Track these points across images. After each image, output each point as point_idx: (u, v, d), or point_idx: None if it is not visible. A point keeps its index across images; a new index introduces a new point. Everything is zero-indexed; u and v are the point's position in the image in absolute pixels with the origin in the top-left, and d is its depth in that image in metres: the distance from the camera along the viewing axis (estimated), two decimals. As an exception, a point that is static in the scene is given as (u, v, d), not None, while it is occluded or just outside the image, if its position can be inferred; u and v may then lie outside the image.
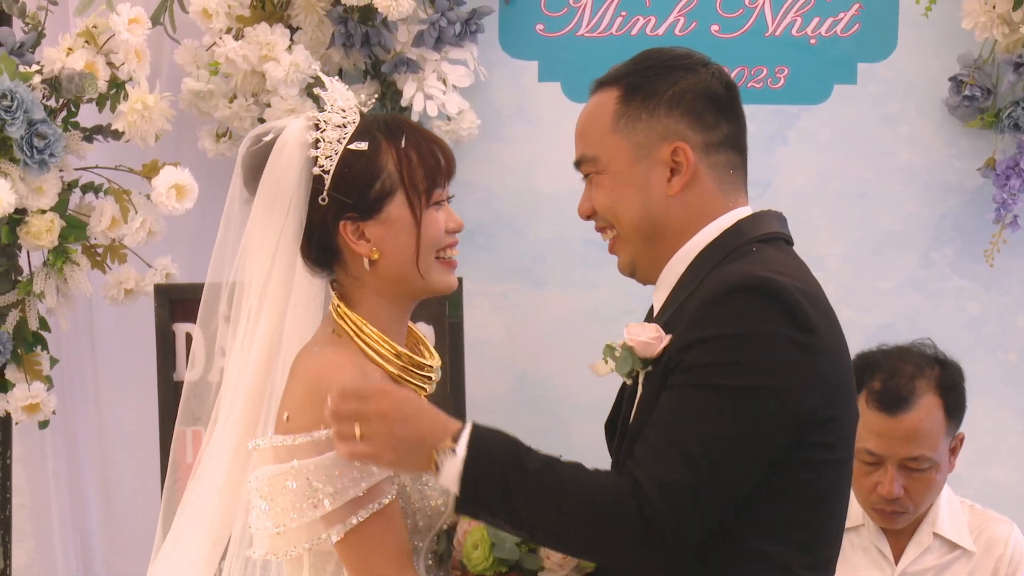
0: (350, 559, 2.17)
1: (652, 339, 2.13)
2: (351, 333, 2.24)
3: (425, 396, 2.32)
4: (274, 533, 2.18)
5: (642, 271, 2.28)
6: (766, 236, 2.22)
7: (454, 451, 2.10)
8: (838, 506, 2.25)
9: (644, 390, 2.21)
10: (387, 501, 2.17)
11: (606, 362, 2.22)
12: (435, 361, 2.34)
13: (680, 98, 2.21)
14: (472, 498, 2.11)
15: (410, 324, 2.38)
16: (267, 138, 2.26)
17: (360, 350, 2.21)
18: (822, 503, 2.19)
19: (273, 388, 2.29)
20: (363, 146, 2.21)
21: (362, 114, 2.28)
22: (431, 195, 2.23)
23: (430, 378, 2.30)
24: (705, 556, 2.14)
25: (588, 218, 2.30)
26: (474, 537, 2.24)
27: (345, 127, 2.23)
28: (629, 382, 2.18)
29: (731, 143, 2.26)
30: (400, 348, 2.26)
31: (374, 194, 2.21)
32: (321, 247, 2.25)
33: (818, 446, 2.16)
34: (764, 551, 2.15)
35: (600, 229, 2.33)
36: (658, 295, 2.28)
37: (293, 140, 2.24)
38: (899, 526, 2.98)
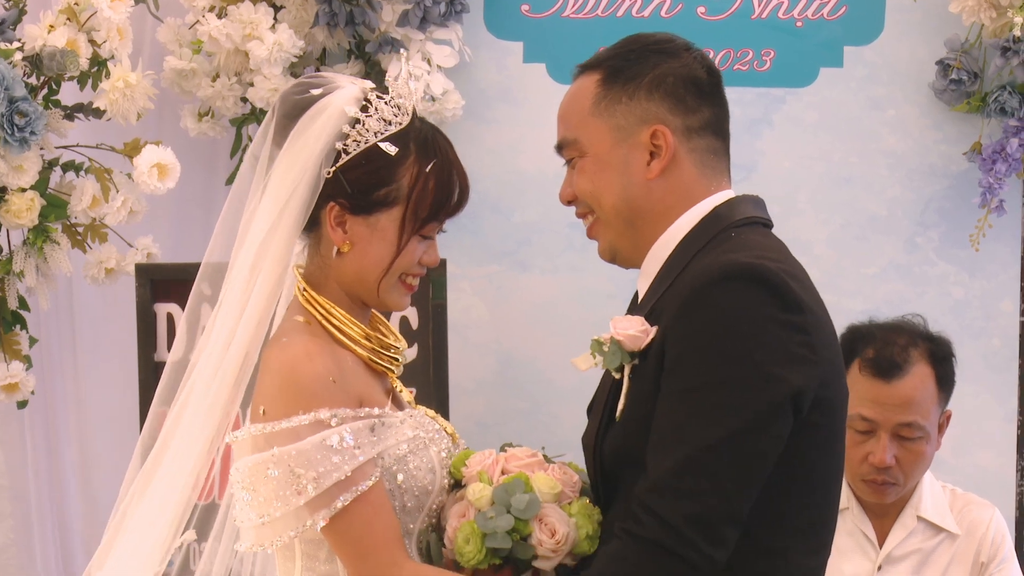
0: (339, 544, 2.17)
1: (639, 332, 2.12)
2: (319, 317, 2.24)
3: (399, 378, 2.34)
4: (259, 524, 2.17)
5: (623, 256, 2.28)
6: (744, 221, 2.22)
7: None
8: (832, 488, 2.25)
9: (632, 383, 2.19)
10: (371, 483, 2.15)
11: (593, 356, 2.22)
12: (401, 343, 2.34)
13: (661, 81, 2.21)
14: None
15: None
16: (315, 92, 2.25)
17: (330, 335, 2.22)
18: (818, 486, 2.19)
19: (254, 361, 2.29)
20: (392, 150, 2.20)
21: (414, 119, 2.27)
22: (425, 226, 2.24)
23: (397, 359, 2.30)
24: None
25: (569, 203, 2.30)
26: (464, 532, 2.22)
27: (390, 124, 2.22)
28: (617, 376, 2.17)
29: (712, 128, 2.26)
30: (368, 330, 2.27)
31: (375, 198, 2.22)
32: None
33: (812, 426, 2.14)
34: (762, 539, 2.15)
35: (581, 215, 2.32)
36: (642, 281, 2.28)
37: (336, 107, 2.23)
38: (888, 500, 2.97)
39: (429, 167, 2.25)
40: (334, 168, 2.22)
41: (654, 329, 2.12)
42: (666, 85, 2.21)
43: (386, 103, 2.24)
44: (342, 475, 2.13)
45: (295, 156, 2.26)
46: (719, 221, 2.22)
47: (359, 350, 2.24)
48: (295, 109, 2.26)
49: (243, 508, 2.19)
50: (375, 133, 2.22)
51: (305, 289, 2.25)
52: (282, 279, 2.31)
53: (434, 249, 2.30)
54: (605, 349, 2.15)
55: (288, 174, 2.26)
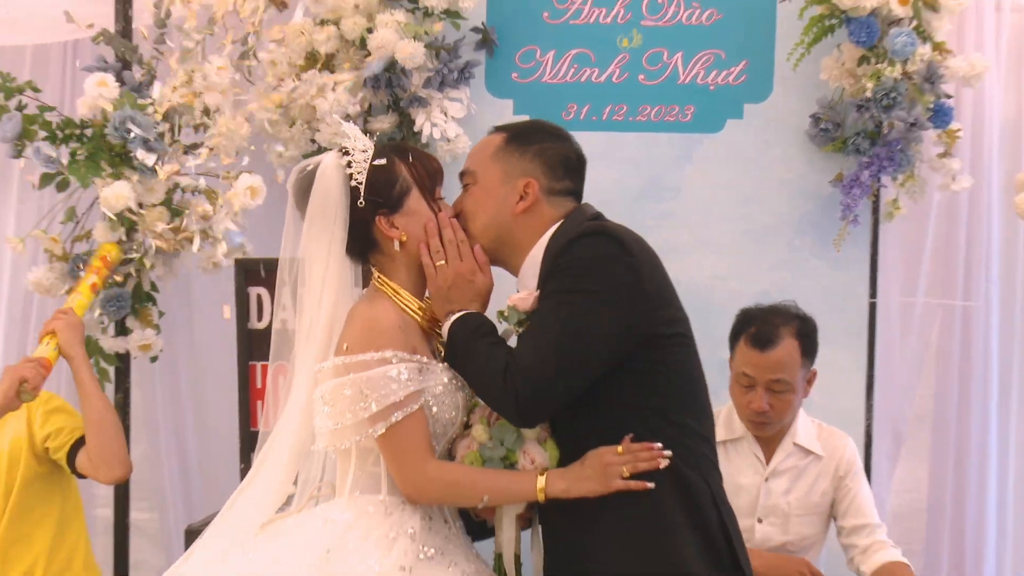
0: (388, 449, 2.20)
1: (526, 296, 2.23)
2: (390, 293, 2.28)
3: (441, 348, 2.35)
4: (333, 429, 2.21)
5: (495, 260, 2.34)
6: (594, 216, 2.31)
7: (453, 313, 2.22)
8: (695, 378, 2.31)
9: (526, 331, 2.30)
10: (416, 407, 2.19)
11: (499, 321, 2.30)
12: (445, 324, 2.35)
13: (543, 152, 2.29)
14: (448, 349, 2.24)
15: None
16: (309, 168, 2.31)
17: (396, 305, 2.26)
18: (682, 371, 2.26)
19: (333, 336, 2.31)
20: (383, 161, 2.26)
21: (375, 143, 2.34)
22: (434, 192, 2.32)
23: (440, 334, 2.32)
24: (612, 414, 2.20)
25: (455, 215, 2.34)
26: (469, 458, 2.29)
27: (367, 151, 2.28)
28: (519, 330, 2.26)
29: (570, 193, 2.34)
30: (422, 304, 2.31)
31: (396, 193, 2.27)
32: (361, 239, 2.28)
33: (666, 335, 2.22)
34: (666, 414, 2.21)
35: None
36: (523, 284, 2.34)
37: (331, 166, 2.29)
38: (766, 433, 3.05)
39: (409, 156, 2.33)
40: (363, 196, 2.26)
41: (537, 292, 2.23)
42: (546, 155, 2.30)
43: (355, 143, 2.32)
44: (397, 398, 2.17)
45: (323, 201, 2.30)
46: (577, 217, 2.29)
47: (416, 317, 2.28)
48: (303, 184, 2.32)
49: (322, 418, 2.23)
50: (364, 160, 2.27)
51: (379, 277, 2.30)
52: (338, 272, 2.34)
53: (447, 205, 2.37)
54: (506, 314, 2.26)
55: (322, 214, 2.30)
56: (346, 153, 2.30)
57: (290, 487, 2.39)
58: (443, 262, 2.27)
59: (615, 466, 2.15)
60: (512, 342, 2.36)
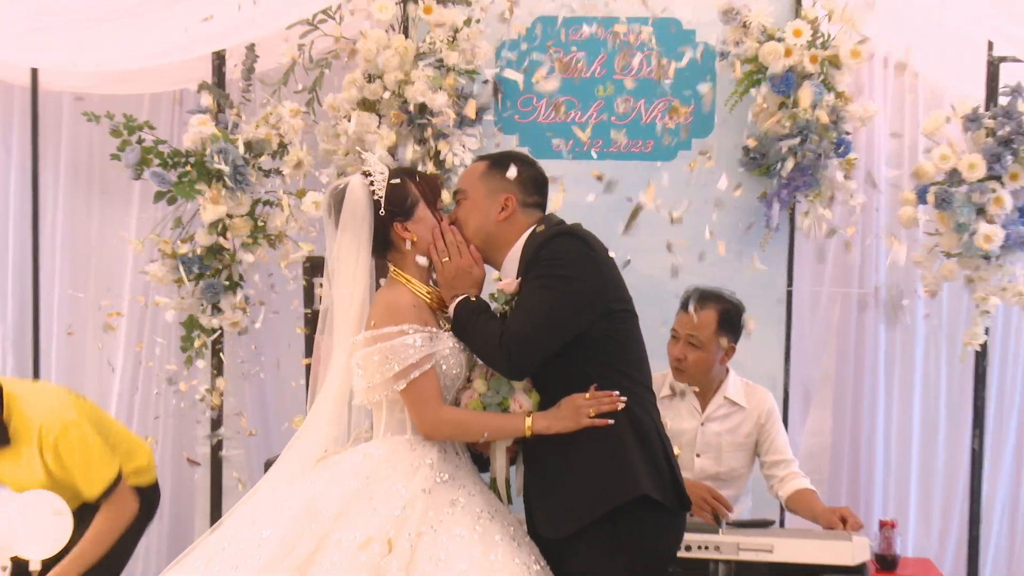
0: (409, 399, 2.22)
1: (510, 282, 2.29)
2: (404, 282, 2.30)
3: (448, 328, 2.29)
4: (366, 387, 2.22)
5: (484, 258, 2.34)
6: (559, 222, 2.33)
7: (457, 297, 2.24)
8: (639, 342, 2.33)
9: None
10: (429, 367, 2.20)
11: (492, 301, 2.31)
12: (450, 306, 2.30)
13: (519, 174, 2.33)
14: (455, 323, 2.25)
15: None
16: (340, 187, 2.30)
17: (409, 290, 2.28)
18: (629, 337, 2.30)
19: (363, 316, 2.29)
20: (397, 181, 2.28)
21: (390, 168, 2.35)
22: (435, 204, 2.33)
23: (445, 311, 2.31)
24: (579, 372, 2.24)
25: (452, 223, 2.32)
26: (472, 404, 2.31)
27: (384, 173, 2.29)
28: (505, 309, 2.30)
29: (538, 205, 2.37)
30: (430, 289, 2.31)
31: (408, 204, 2.28)
32: (382, 241, 2.28)
33: (616, 310, 2.26)
34: (618, 367, 2.27)
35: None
36: (505, 274, 2.34)
37: (358, 185, 2.28)
38: (683, 379, 3.00)
39: (416, 177, 2.34)
40: (383, 207, 2.26)
41: (519, 280, 2.26)
42: (521, 177, 2.33)
43: (375, 167, 2.30)
44: (414, 360, 2.18)
45: (353, 213, 2.28)
46: (548, 226, 2.30)
47: (425, 299, 2.29)
48: (336, 199, 2.30)
49: (358, 379, 2.23)
50: (383, 180, 2.27)
51: (395, 270, 2.32)
52: (366, 267, 2.33)
53: (445, 217, 2.35)
54: (496, 296, 2.29)
55: (353, 222, 2.29)
56: (368, 175, 2.27)
57: (335, 432, 2.34)
58: (447, 259, 2.25)
59: (584, 408, 2.16)
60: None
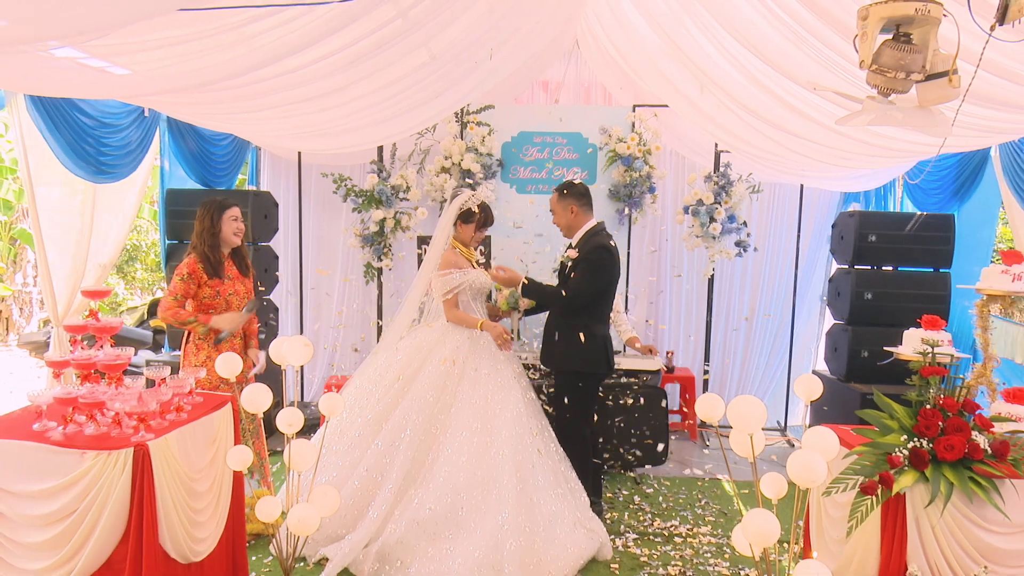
0: (447, 304, 3.32)
1: (573, 253, 3.29)
2: (455, 246, 3.33)
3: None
4: (438, 295, 3.36)
5: (566, 235, 3.42)
6: (602, 226, 3.49)
7: (517, 283, 3.39)
8: (609, 297, 3.32)
9: (570, 268, 3.41)
10: (460, 289, 3.31)
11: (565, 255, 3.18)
12: (480, 259, 3.26)
13: (578, 195, 3.40)
14: (525, 290, 3.35)
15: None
16: (455, 195, 3.32)
17: (457, 252, 3.22)
18: (607, 295, 3.33)
19: (438, 263, 3.25)
20: (476, 208, 3.39)
21: (482, 203, 3.23)
22: (483, 230, 3.48)
23: (479, 262, 3.19)
24: (583, 312, 3.38)
25: (556, 223, 3.33)
26: (503, 304, 3.54)
27: (476, 198, 3.22)
28: (568, 266, 3.10)
29: (589, 207, 3.51)
30: (471, 252, 3.34)
31: (467, 218, 3.44)
32: (454, 227, 3.34)
33: (611, 286, 3.19)
34: (598, 313, 3.42)
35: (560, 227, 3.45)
36: (574, 242, 3.31)
37: (458, 199, 3.37)
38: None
39: (480, 211, 3.39)
40: (460, 214, 3.35)
41: (577, 251, 3.24)
42: (578, 195, 3.37)
43: (479, 193, 3.38)
44: (455, 285, 3.30)
45: (451, 210, 3.25)
46: (597, 228, 3.29)
47: (464, 254, 3.27)
48: (452, 196, 3.33)
49: (434, 291, 3.41)
50: (472, 206, 3.33)
51: (452, 240, 3.29)
52: (445, 240, 3.22)
53: (482, 236, 3.37)
54: (562, 257, 3.14)
55: (447, 216, 3.27)
56: (471, 197, 3.32)
57: (409, 319, 3.28)
58: (502, 273, 3.33)
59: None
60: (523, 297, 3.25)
